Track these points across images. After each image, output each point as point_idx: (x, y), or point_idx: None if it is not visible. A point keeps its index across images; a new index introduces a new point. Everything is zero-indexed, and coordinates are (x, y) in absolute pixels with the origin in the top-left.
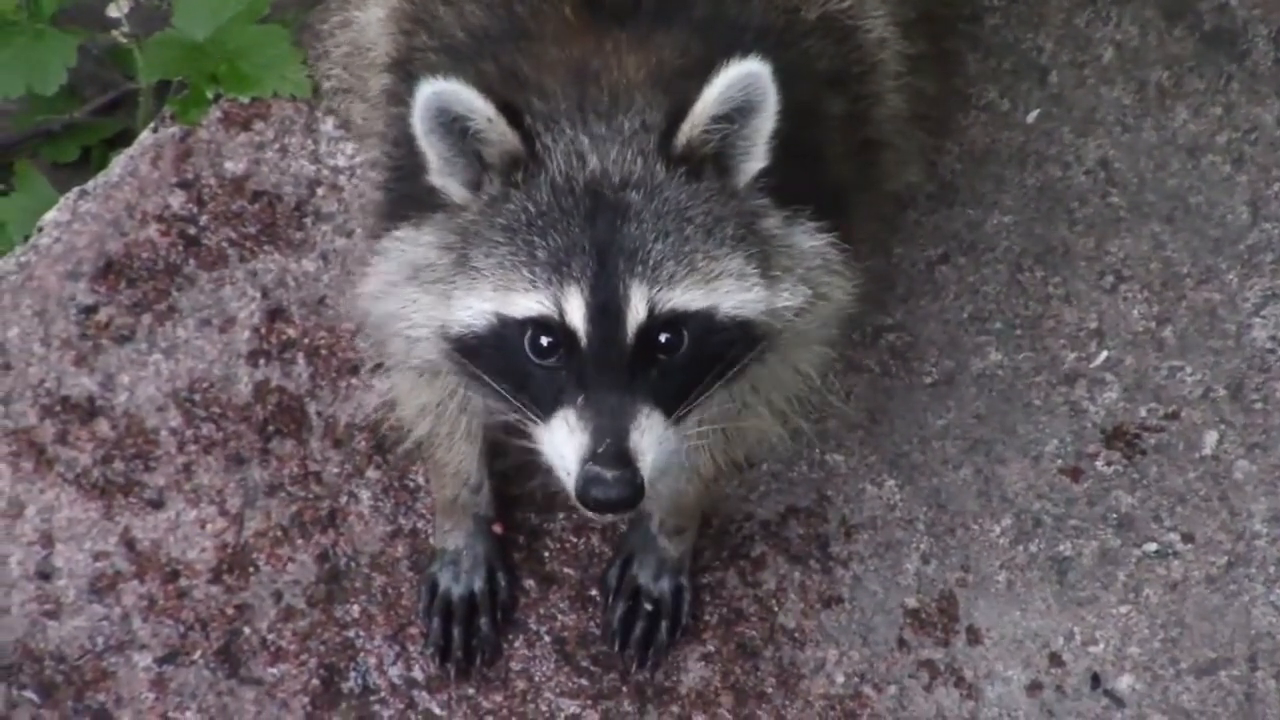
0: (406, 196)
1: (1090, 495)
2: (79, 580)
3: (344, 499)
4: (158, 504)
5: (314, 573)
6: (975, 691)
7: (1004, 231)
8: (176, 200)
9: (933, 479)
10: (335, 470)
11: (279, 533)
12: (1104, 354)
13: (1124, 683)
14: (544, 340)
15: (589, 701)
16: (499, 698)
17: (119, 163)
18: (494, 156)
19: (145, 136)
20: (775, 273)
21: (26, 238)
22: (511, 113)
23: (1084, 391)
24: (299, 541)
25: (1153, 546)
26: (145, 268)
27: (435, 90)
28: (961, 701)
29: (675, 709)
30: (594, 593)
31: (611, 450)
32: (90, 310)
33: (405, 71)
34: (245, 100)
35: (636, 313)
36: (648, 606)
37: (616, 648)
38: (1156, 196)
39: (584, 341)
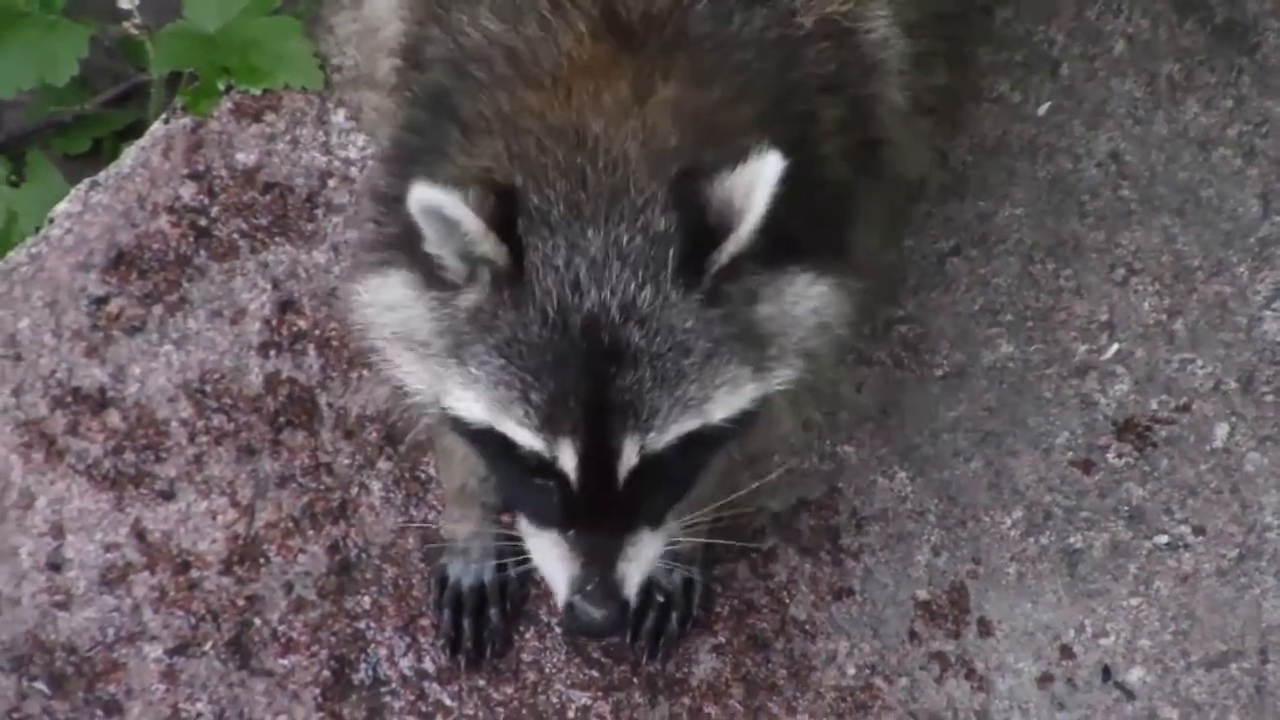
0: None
1: (1101, 487)
2: (90, 571)
3: (355, 490)
4: (168, 495)
5: (325, 564)
6: (986, 683)
7: (1015, 224)
8: (188, 191)
9: (944, 471)
10: (346, 462)
11: (290, 524)
12: (1115, 346)
13: (1135, 675)
14: (536, 467)
15: (600, 693)
16: (510, 689)
17: (130, 154)
18: (485, 262)
19: (156, 128)
20: (769, 362)
21: (37, 229)
22: (503, 216)
23: (1095, 384)
24: (310, 533)
25: (1164, 539)
26: (156, 259)
27: (426, 195)
28: (972, 694)
29: (686, 700)
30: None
31: (599, 587)
32: (101, 301)
33: (414, 59)
34: (256, 92)
35: (628, 462)
36: (659, 598)
37: (628, 639)
38: (1167, 189)
39: (575, 485)
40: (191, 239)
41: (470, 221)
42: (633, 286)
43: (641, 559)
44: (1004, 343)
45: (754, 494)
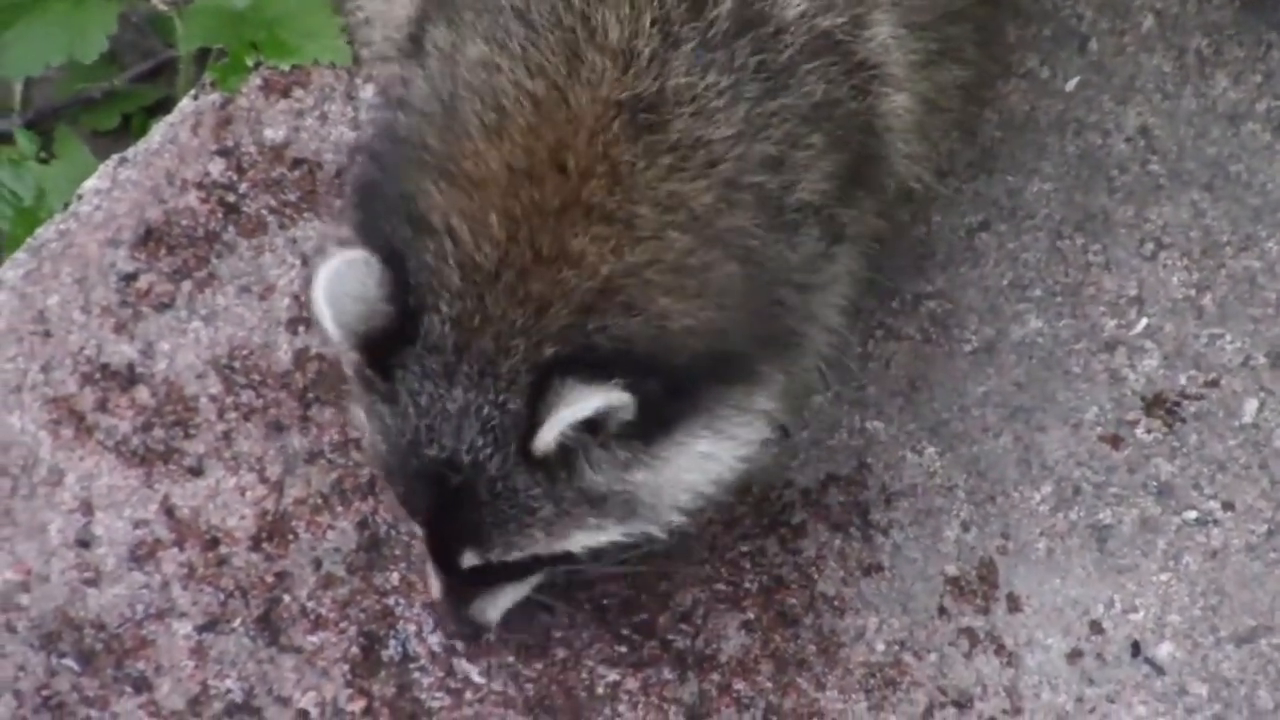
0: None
1: (1130, 463)
2: (119, 548)
3: None
4: (197, 471)
5: (354, 540)
6: (1015, 659)
7: (1044, 199)
8: (216, 167)
9: (973, 446)
10: None
11: (319, 500)
12: (1144, 321)
13: (1164, 650)
14: None
15: (629, 669)
16: (539, 665)
17: (159, 130)
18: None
19: (185, 104)
20: (639, 518)
21: (66, 205)
22: (386, 348)
23: (1124, 359)
24: (339, 509)
25: (1193, 514)
26: (185, 235)
27: (318, 300)
28: (1002, 669)
29: (715, 676)
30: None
31: (453, 614)
32: (130, 278)
33: (416, 45)
34: (285, 68)
35: (470, 562)
36: None
37: None
38: (1196, 164)
39: (429, 549)
40: (220, 215)
41: (330, 325)
42: (483, 451)
43: (499, 601)
44: (1033, 318)
45: (782, 469)
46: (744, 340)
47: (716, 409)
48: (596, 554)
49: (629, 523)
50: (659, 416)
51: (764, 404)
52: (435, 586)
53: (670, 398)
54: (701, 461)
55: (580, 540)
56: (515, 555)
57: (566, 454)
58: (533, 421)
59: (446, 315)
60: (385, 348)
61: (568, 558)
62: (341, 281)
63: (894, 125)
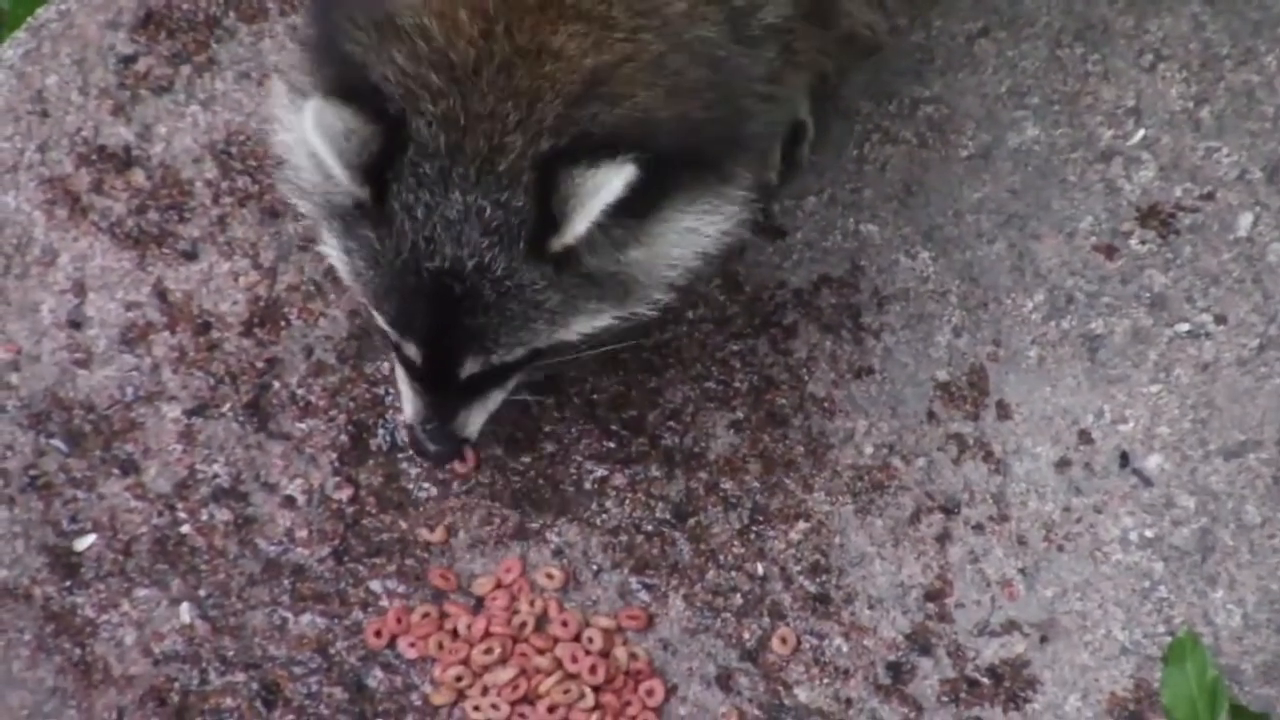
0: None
1: (1124, 273)
2: (110, 330)
3: None
4: (191, 255)
5: (345, 328)
6: (1003, 466)
7: (1044, 7)
8: None
9: (966, 252)
10: None
11: (311, 287)
12: (1141, 132)
13: (1152, 462)
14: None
15: (617, 465)
16: (527, 459)
17: None
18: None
19: None
20: (634, 298)
21: None
22: (378, 158)
23: (1120, 169)
24: (331, 296)
25: (1185, 327)
26: (186, 19)
27: (307, 129)
28: (989, 476)
29: (703, 475)
30: (625, 356)
31: (436, 431)
32: (129, 60)
33: None
34: None
35: (469, 370)
36: None
37: None
38: None
39: (419, 370)
40: (221, 0)
41: (336, 169)
42: (487, 252)
43: (485, 409)
44: (1030, 125)
45: (775, 270)
46: (715, 138)
47: (697, 189)
48: (592, 340)
49: (624, 304)
50: (648, 195)
51: (736, 192)
52: (413, 408)
53: (657, 177)
54: (688, 235)
55: (579, 327)
56: (518, 352)
57: (575, 248)
58: (545, 216)
59: (431, 115)
60: (380, 168)
61: (564, 348)
62: (329, 123)
63: None
